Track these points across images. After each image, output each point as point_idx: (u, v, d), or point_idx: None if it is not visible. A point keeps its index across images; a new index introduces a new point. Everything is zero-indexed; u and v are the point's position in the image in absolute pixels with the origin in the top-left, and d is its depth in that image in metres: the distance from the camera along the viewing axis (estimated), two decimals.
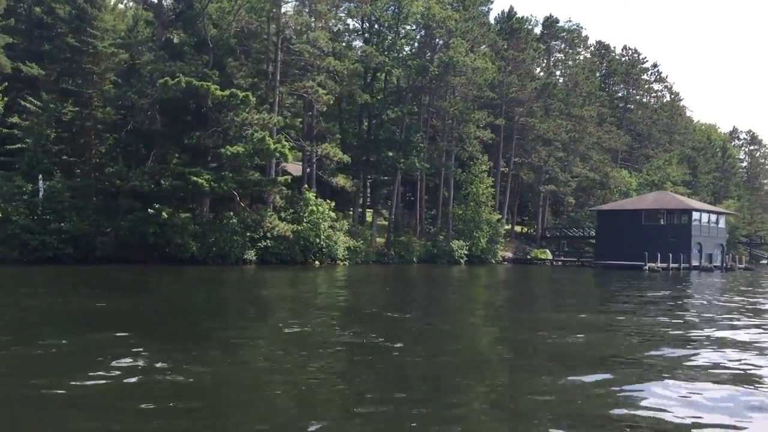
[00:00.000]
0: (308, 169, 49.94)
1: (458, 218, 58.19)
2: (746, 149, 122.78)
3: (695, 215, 57.95)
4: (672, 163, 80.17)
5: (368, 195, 59.23)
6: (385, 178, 58.25)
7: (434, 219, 59.63)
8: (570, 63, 74.58)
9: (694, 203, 60.33)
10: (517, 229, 74.09)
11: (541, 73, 69.20)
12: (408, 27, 53.98)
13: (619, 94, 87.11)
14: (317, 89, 42.78)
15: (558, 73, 74.99)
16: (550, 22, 70.37)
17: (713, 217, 61.01)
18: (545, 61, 73.84)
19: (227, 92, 38.00)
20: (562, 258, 64.24)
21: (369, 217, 61.43)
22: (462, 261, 55.73)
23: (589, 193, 75.00)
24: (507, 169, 65.09)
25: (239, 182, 40.87)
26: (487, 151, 64.18)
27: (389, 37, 51.49)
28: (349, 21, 54.58)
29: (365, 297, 25.54)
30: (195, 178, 37.46)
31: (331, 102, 44.57)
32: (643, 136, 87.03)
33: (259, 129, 39.64)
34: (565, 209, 75.86)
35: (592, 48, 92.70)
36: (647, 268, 51.94)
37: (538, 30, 72.26)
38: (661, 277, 45.46)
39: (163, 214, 36.60)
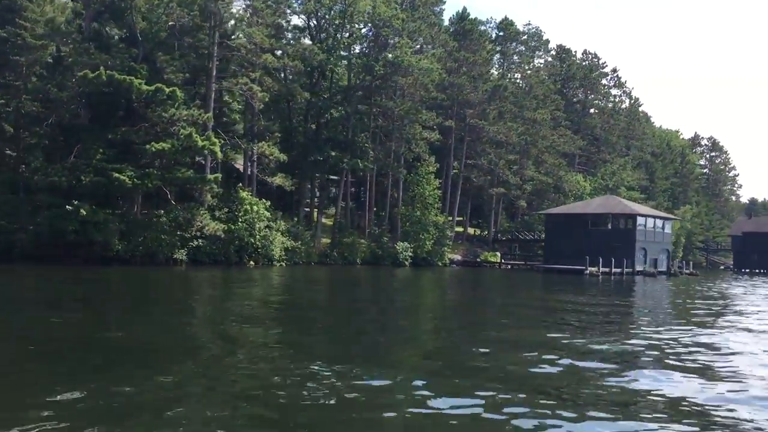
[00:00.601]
0: (249, 169, 49.16)
1: (405, 220, 57.68)
2: (707, 156, 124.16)
3: (640, 220, 58.09)
4: (626, 168, 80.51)
5: (317, 195, 58.48)
6: (333, 177, 57.60)
7: (381, 220, 59.04)
8: (525, 66, 74.47)
9: (639, 208, 60.49)
10: (471, 231, 73.80)
11: (499, 76, 68.95)
12: (355, 26, 53.26)
13: (577, 99, 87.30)
14: (251, 86, 41.93)
15: (517, 75, 74.92)
16: (505, 25, 70.22)
17: (659, 223, 61.24)
18: (504, 63, 73.67)
19: (153, 87, 37.06)
20: (511, 261, 64.04)
21: (325, 218, 60.77)
22: (406, 263, 55.21)
23: (543, 196, 75.01)
24: (459, 171, 64.79)
25: (167, 179, 39.92)
26: (439, 153, 63.89)
27: (334, 36, 50.76)
28: (295, 18, 53.85)
29: (251, 301, 24.82)
30: (117, 175, 36.45)
31: (266, 99, 43.75)
32: (601, 141, 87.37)
33: (189, 125, 38.70)
34: (519, 212, 75.79)
35: (553, 52, 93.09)
36: (588, 272, 51.86)
37: (496, 32, 72.10)
38: (598, 282, 45.38)
39: (82, 211, 35.51)
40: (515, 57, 73.02)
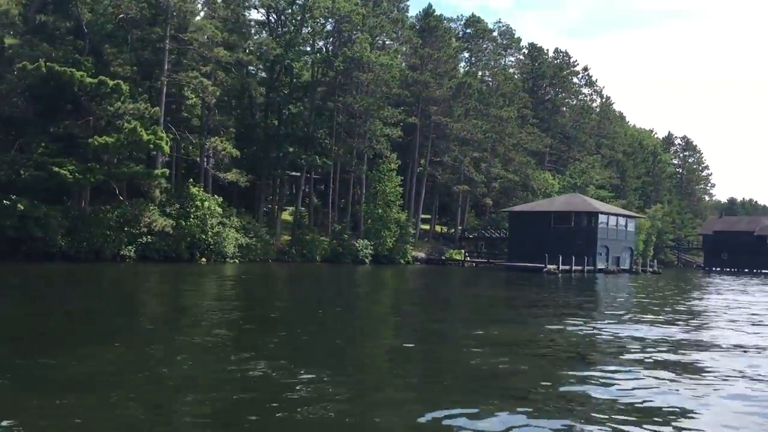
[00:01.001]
0: (205, 164, 48.50)
1: (368, 217, 57.23)
2: (680, 155, 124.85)
3: (602, 218, 58.04)
4: (595, 167, 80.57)
5: (278, 191, 57.82)
6: (295, 174, 57.03)
7: (344, 217, 58.55)
8: (492, 63, 74.21)
9: (601, 206, 60.42)
10: (439, 229, 73.53)
11: (464, 73, 68.58)
12: (315, 21, 52.68)
13: (547, 97, 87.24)
14: (202, 81, 41.25)
15: (487, 73, 74.65)
16: (472, 22, 69.93)
17: (622, 221, 61.24)
18: (471, 60, 73.37)
19: (96, 80, 36.30)
20: (475, 259, 63.80)
21: (290, 215, 60.14)
22: (367, 261, 54.77)
23: (511, 194, 74.85)
24: (424, 168, 64.44)
25: (113, 174, 39.19)
26: (405, 150, 63.53)
27: (292, 31, 50.18)
28: (254, 13, 53.18)
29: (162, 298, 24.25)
30: (57, 169, 35.66)
31: (217, 94, 43.05)
32: (571, 139, 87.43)
33: (135, 119, 37.96)
34: (488, 210, 75.60)
35: (525, 50, 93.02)
36: (546, 270, 51.70)
37: (463, 29, 71.78)
38: (557, 280, 45.21)
39: (19, 206, 34.70)
40: (482, 54, 72.66)
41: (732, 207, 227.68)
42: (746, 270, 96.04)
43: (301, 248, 52.66)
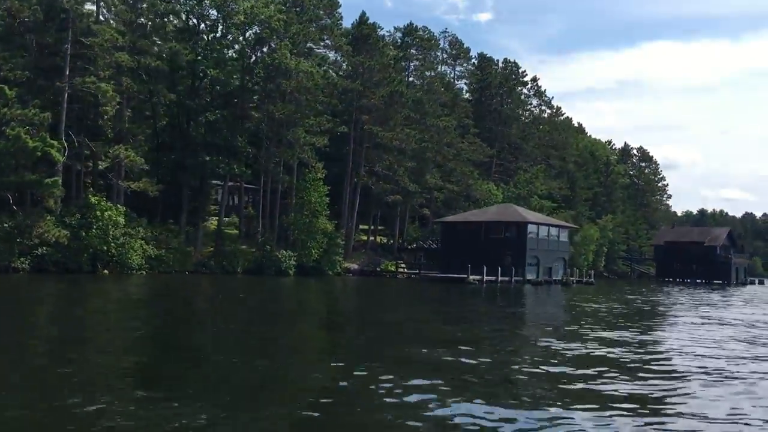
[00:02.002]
0: (110, 173, 46.93)
1: (295, 227, 55.93)
2: (637, 165, 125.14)
3: (531, 228, 57.32)
4: (539, 177, 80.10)
5: (200, 201, 56.32)
6: (218, 183, 55.72)
7: (271, 228, 57.16)
8: (429, 73, 73.44)
9: (531, 216, 59.70)
10: (378, 240, 72.46)
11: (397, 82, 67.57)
12: (236, 28, 51.57)
13: (494, 107, 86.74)
14: (99, 86, 39.87)
15: (424, 82, 73.83)
16: (409, 31, 69.29)
17: (554, 231, 60.59)
18: (408, 69, 72.60)
19: None
20: (409, 271, 62.69)
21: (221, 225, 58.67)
22: (291, 272, 53.43)
23: (453, 205, 73.99)
24: (358, 178, 63.32)
25: (2, 183, 37.62)
26: (341, 160, 62.53)
27: (209, 36, 49.04)
28: (173, 18, 51.90)
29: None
30: None
31: (117, 100, 41.65)
32: (519, 150, 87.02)
33: (22, 125, 36.47)
34: (430, 221, 74.70)
35: (474, 60, 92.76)
36: (469, 281, 50.77)
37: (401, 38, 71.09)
38: (480, 291, 44.28)
39: None
40: (419, 64, 71.83)
41: (702, 218, 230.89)
42: (698, 281, 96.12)
43: (220, 260, 51.26)
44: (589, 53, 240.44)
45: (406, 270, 63.23)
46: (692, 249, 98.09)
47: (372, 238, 75.88)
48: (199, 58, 46.26)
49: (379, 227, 74.64)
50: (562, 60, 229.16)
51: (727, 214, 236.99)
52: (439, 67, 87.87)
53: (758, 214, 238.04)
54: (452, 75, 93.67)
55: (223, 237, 53.60)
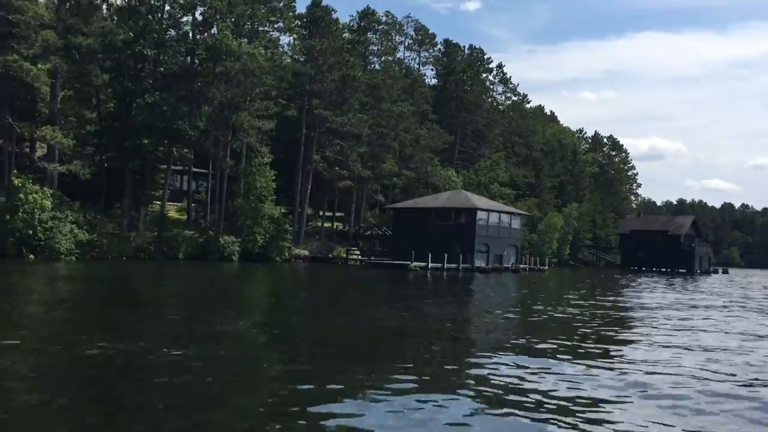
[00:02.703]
0: (43, 156, 45.77)
1: (241, 213, 55.00)
2: (607, 154, 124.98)
3: (480, 215, 56.79)
4: (500, 164, 79.54)
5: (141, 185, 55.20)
6: (164, 167, 54.54)
7: (218, 213, 56.19)
8: (388, 57, 72.40)
9: (481, 203, 59.12)
10: (334, 226, 71.75)
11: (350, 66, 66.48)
12: (179, 6, 50.28)
13: (457, 94, 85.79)
14: (22, 64, 38.61)
15: (378, 66, 72.79)
16: (365, 14, 68.19)
17: (505, 218, 60.11)
18: (365, 53, 71.51)
19: None
20: (358, 257, 62.04)
21: (172, 210, 57.65)
22: (234, 258, 52.58)
23: (412, 192, 73.30)
24: (311, 163, 62.42)
25: None
26: (292, 145, 61.63)
27: (146, 16, 47.73)
28: None
29: None
30: None
31: (44, 79, 40.39)
32: (482, 137, 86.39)
33: None
34: (385, 207, 74.01)
35: (440, 46, 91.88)
36: (411, 268, 50.20)
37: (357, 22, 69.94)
38: (426, 278, 43.69)
39: None
40: (376, 48, 70.77)
41: (681, 207, 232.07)
42: (663, 269, 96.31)
43: (161, 245, 50.28)
44: (576, 43, 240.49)
45: (359, 257, 62.61)
46: (656, 237, 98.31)
47: (329, 224, 75.25)
48: (128, 36, 44.88)
49: (338, 214, 73.95)
50: (550, 50, 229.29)
51: (706, 204, 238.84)
52: (403, 52, 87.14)
53: (739, 204, 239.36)
54: (417, 61, 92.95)
55: (165, 222, 52.55)
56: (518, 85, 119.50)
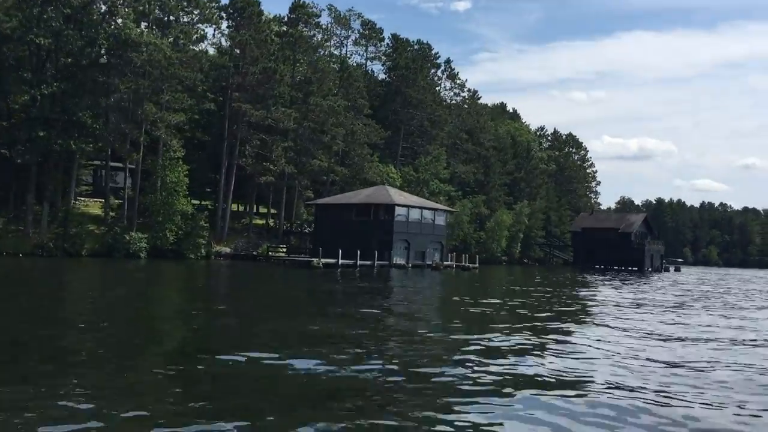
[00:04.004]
0: None
1: (153, 208, 53.50)
2: (564, 151, 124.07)
3: (399, 211, 55.53)
4: (440, 160, 78.30)
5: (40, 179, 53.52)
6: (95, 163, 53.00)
7: (130, 209, 54.64)
8: (321, 51, 70.82)
9: (401, 198, 57.74)
10: (264, 222, 70.36)
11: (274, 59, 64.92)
12: None
13: (402, 89, 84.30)
14: None
15: (304, 59, 70.55)
16: (295, 7, 66.65)
17: (428, 214, 58.86)
18: (295, 46, 69.62)
19: None
20: (283, 255, 60.59)
21: (95, 207, 56.12)
22: (141, 255, 51.07)
23: (349, 188, 71.86)
24: (243, 160, 60.96)
25: None
26: (215, 139, 60.30)
27: (41, 5, 46.08)
28: None
29: None
30: None
31: None
32: (426, 133, 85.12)
33: None
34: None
35: (388, 41, 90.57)
36: (314, 264, 48.87)
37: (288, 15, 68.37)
38: (316, 275, 42.35)
39: None
40: (306, 42, 68.90)
41: (659, 206, 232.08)
42: (615, 267, 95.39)
43: (62, 242, 48.71)
44: (567, 43, 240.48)
45: (287, 254, 61.12)
46: (608, 235, 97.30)
47: (263, 221, 73.82)
48: (16, 24, 43.27)
49: (274, 211, 72.52)
50: (540, 50, 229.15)
51: (684, 203, 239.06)
52: (346, 48, 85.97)
53: (735, 205, 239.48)
54: (365, 56, 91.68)
55: (71, 218, 50.91)
56: (466, 80, 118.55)
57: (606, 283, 49.98)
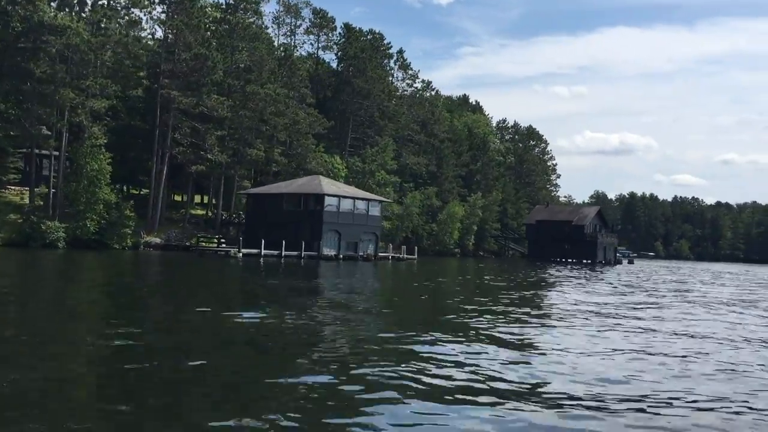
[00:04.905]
0: None
1: (74, 197, 52.05)
2: (523, 144, 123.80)
3: (329, 200, 54.66)
4: (387, 151, 77.45)
5: None
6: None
7: (54, 197, 53.14)
8: (262, 40, 69.27)
9: (331, 188, 56.77)
10: (202, 212, 69.25)
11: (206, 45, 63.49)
12: None
13: (351, 79, 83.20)
14: None
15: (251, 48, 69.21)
16: None
17: (361, 204, 58.03)
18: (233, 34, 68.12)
19: None
20: (219, 245, 59.44)
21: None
22: (60, 245, 49.67)
23: (288, 179, 70.76)
24: (176, 149, 59.60)
25: None
26: (151, 127, 58.91)
27: None
28: None
29: None
30: None
31: None
32: (375, 124, 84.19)
33: None
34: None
35: (339, 30, 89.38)
36: (232, 255, 47.90)
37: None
38: (231, 266, 41.36)
39: None
40: (247, 29, 67.28)
41: (632, 200, 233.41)
42: (569, 260, 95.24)
43: None
44: (549, 38, 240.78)
45: (218, 245, 59.94)
46: (562, 228, 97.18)
47: (204, 211, 72.66)
48: None
49: (215, 201, 71.25)
50: (522, 44, 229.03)
51: (657, 197, 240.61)
52: (293, 37, 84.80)
53: (714, 200, 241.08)
54: (317, 45, 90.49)
55: None
56: (419, 71, 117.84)
57: (532, 275, 49.54)
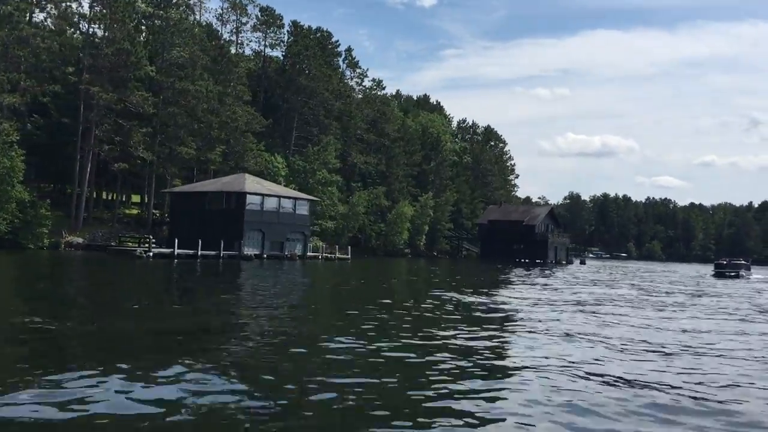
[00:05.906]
0: None
1: None
2: (481, 145, 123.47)
3: (251, 199, 53.54)
4: (329, 150, 76.43)
5: None
6: None
7: None
8: (184, 35, 67.14)
9: (254, 187, 55.57)
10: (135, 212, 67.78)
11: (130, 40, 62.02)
12: None
13: (295, 77, 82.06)
14: None
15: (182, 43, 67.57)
16: None
17: (287, 203, 56.98)
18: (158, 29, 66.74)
19: None
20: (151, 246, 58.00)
21: None
22: None
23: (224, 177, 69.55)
24: (101, 146, 58.13)
25: None
26: (74, 122, 57.39)
27: None
28: None
29: None
30: None
31: None
32: (319, 122, 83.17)
33: None
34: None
35: (287, 28, 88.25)
36: (138, 254, 46.62)
37: None
38: (131, 267, 40.06)
39: None
40: (179, 24, 65.78)
41: (605, 201, 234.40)
42: (521, 260, 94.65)
43: None
44: (531, 40, 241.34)
45: (155, 244, 58.53)
46: (513, 228, 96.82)
47: (137, 210, 71.25)
48: None
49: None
50: (505, 46, 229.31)
51: (630, 198, 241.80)
52: (237, 35, 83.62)
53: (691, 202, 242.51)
54: (263, 43, 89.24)
55: None
56: (368, 69, 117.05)
57: (461, 278, 48.80)
